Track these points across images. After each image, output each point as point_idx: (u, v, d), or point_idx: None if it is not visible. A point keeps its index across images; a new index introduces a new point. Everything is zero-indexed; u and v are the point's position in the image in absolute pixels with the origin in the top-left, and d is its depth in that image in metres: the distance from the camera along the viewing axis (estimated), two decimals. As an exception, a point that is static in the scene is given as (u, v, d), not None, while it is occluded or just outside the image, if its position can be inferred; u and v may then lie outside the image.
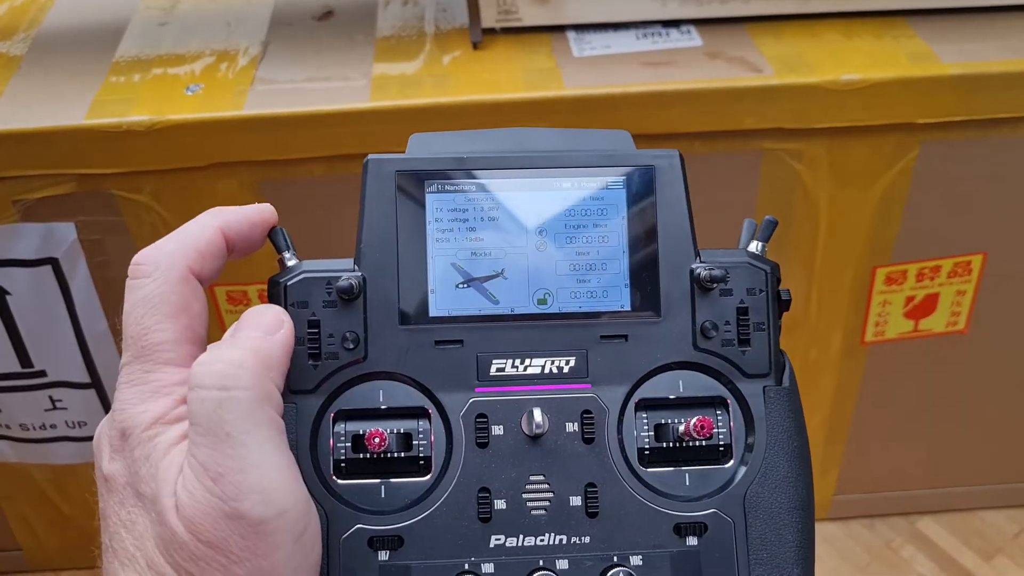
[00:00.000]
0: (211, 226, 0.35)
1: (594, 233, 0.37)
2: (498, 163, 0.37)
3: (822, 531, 1.18)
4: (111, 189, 0.82)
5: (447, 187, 0.36)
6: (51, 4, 0.95)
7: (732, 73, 0.79)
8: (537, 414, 0.35)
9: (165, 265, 0.33)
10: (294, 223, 0.85)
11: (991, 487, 1.18)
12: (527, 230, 0.37)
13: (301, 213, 0.84)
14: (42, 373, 0.95)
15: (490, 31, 0.85)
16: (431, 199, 0.36)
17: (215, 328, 0.92)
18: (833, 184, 0.85)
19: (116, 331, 0.92)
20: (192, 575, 0.30)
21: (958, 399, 1.07)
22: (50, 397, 0.98)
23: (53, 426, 1.00)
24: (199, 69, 0.84)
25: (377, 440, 0.35)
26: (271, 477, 0.30)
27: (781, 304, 0.38)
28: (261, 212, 0.37)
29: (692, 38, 0.84)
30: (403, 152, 0.38)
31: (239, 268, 0.88)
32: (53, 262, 0.87)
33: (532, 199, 0.37)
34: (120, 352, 0.36)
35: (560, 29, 0.86)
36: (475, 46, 0.83)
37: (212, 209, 0.36)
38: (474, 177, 0.37)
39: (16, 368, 0.94)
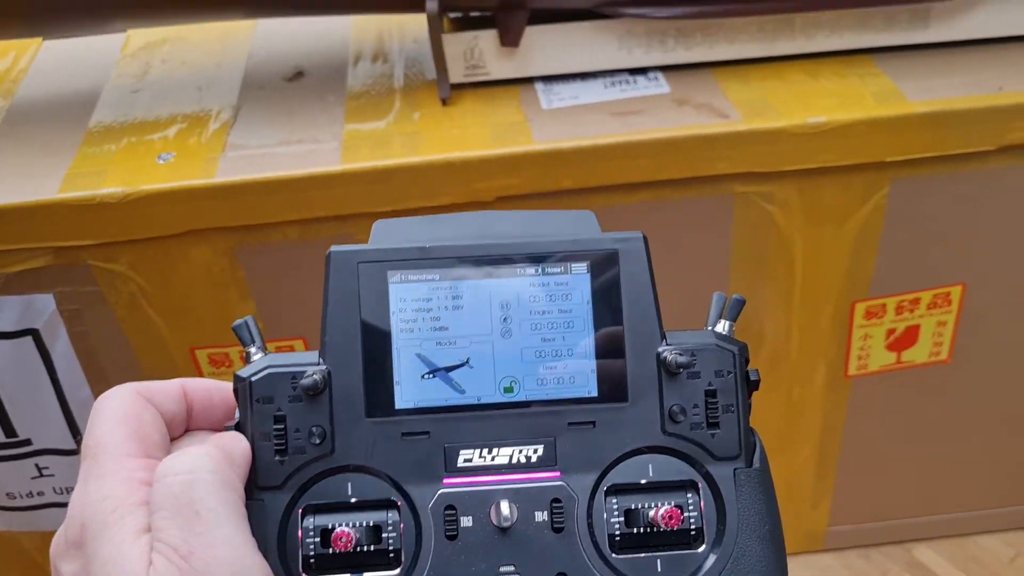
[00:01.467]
0: (172, 380, 0.37)
1: (559, 319, 0.37)
2: (460, 252, 0.37)
3: (818, 563, 1.17)
4: (87, 260, 0.82)
5: (410, 277, 0.36)
6: (24, 75, 0.96)
7: (700, 120, 0.80)
8: (504, 506, 0.35)
9: (117, 389, 0.35)
10: (271, 287, 0.86)
11: (985, 512, 1.17)
12: (492, 318, 0.37)
13: (278, 276, 0.85)
14: (27, 442, 0.95)
15: (459, 86, 0.85)
16: (394, 289, 0.36)
17: (198, 391, 0.92)
18: (806, 223, 0.86)
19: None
20: None
21: (946, 426, 1.06)
22: (36, 465, 0.97)
23: (40, 493, 1.00)
24: (171, 136, 0.84)
25: (344, 540, 0.35)
26: (241, 552, 0.31)
27: (750, 384, 0.38)
28: (222, 391, 0.38)
29: (660, 85, 0.84)
30: (367, 240, 0.38)
31: (221, 331, 0.88)
32: (33, 333, 0.87)
33: (496, 287, 0.37)
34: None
35: (529, 80, 0.86)
36: (444, 102, 0.84)
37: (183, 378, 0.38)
38: (437, 266, 0.37)
39: (1, 438, 0.94)
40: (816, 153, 0.80)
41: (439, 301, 0.37)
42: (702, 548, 0.36)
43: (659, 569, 0.36)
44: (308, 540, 0.35)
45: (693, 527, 0.36)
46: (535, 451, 0.36)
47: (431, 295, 0.37)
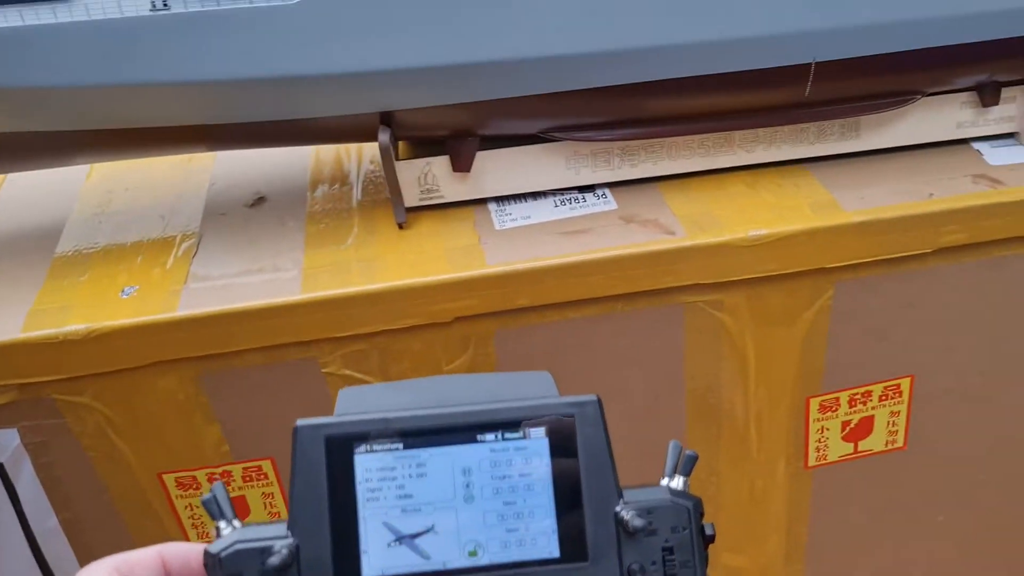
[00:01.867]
0: (150, 549, 0.38)
1: (520, 483, 0.38)
2: (422, 422, 0.39)
3: (793, 650, 1.18)
4: (52, 394, 0.83)
5: (375, 447, 0.38)
6: (-11, 208, 0.98)
7: (647, 237, 0.83)
8: None
9: (96, 567, 0.36)
10: (237, 412, 0.87)
11: (953, 591, 1.19)
12: (455, 484, 0.38)
13: (243, 402, 0.86)
14: (-6, 573, 0.95)
15: (415, 209, 0.88)
16: (360, 460, 0.38)
17: (168, 516, 0.93)
18: (756, 326, 0.89)
19: (66, 526, 0.93)
20: None
21: (907, 510, 1.09)
22: (3, 596, 0.97)
23: (8, 623, 0.99)
24: (134, 268, 0.86)
25: None
26: None
27: (706, 539, 0.39)
28: (199, 556, 0.39)
29: (608, 201, 0.88)
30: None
31: (187, 455, 0.89)
32: (-1, 466, 0.88)
33: (457, 453, 0.38)
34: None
35: (482, 201, 0.89)
36: (400, 227, 0.87)
37: (161, 544, 0.39)
38: (400, 436, 0.38)
39: (-33, 571, 0.93)
40: (760, 263, 0.84)
41: (403, 469, 0.38)
42: None
43: None
44: None
45: None
46: None
47: (395, 464, 0.38)
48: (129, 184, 0.99)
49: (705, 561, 0.39)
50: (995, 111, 0.90)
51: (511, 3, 0.75)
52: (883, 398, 0.98)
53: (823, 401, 0.96)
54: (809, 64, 0.81)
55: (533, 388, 0.41)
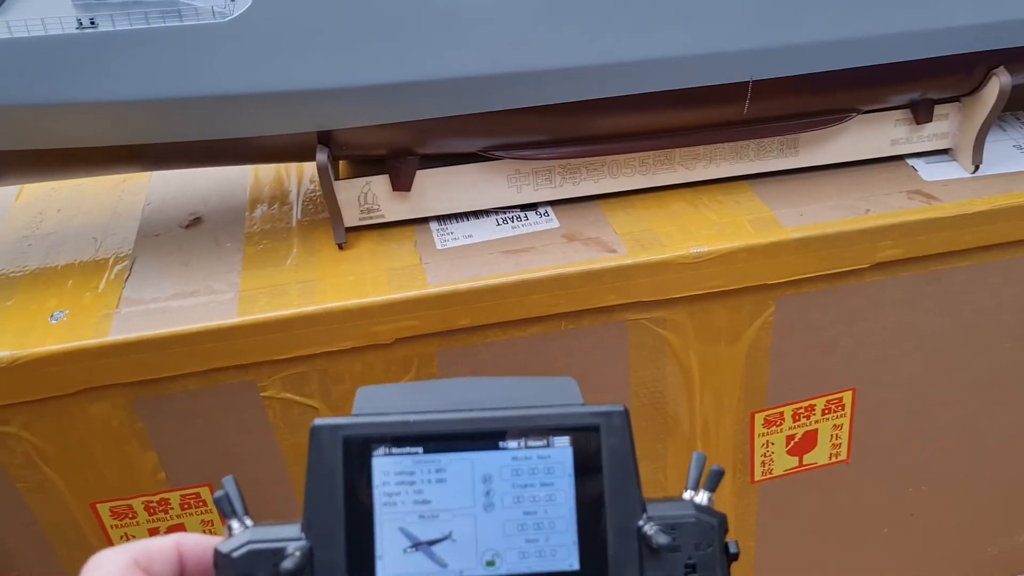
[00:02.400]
0: (168, 538, 0.37)
1: (541, 492, 0.37)
2: (443, 426, 0.37)
3: (743, 665, 1.18)
4: (-22, 424, 0.80)
5: (393, 451, 0.37)
6: (-88, 231, 0.95)
7: (589, 255, 0.82)
8: None
9: (114, 558, 0.35)
10: (173, 437, 0.85)
11: (898, 601, 1.20)
12: (474, 491, 0.37)
13: (179, 427, 0.84)
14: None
15: (355, 228, 0.87)
16: (378, 463, 0.37)
17: (100, 544, 0.90)
18: (700, 343, 0.89)
19: (-5, 559, 0.89)
20: None
21: (852, 522, 1.10)
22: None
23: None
24: (65, 292, 0.84)
25: None
26: None
27: (729, 557, 0.38)
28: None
29: (550, 219, 0.87)
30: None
31: (122, 483, 0.86)
32: (-77, 499, 0.84)
33: (479, 460, 0.37)
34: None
35: (424, 220, 0.88)
36: (340, 247, 0.85)
37: (177, 533, 0.38)
38: (420, 439, 0.37)
39: None
40: (702, 280, 0.84)
41: (422, 475, 0.37)
42: None
43: None
44: None
45: None
46: None
47: (414, 468, 0.37)
48: (60, 205, 0.96)
49: None
50: (929, 128, 0.91)
51: (450, 23, 0.74)
52: (826, 412, 0.98)
53: (767, 416, 0.97)
54: (747, 82, 0.81)
55: (557, 395, 0.39)
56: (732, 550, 0.38)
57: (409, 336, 0.82)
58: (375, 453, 0.37)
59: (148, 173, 1.00)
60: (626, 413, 0.39)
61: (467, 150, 0.84)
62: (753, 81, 0.81)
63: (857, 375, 0.97)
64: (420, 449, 0.37)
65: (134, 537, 0.90)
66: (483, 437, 0.37)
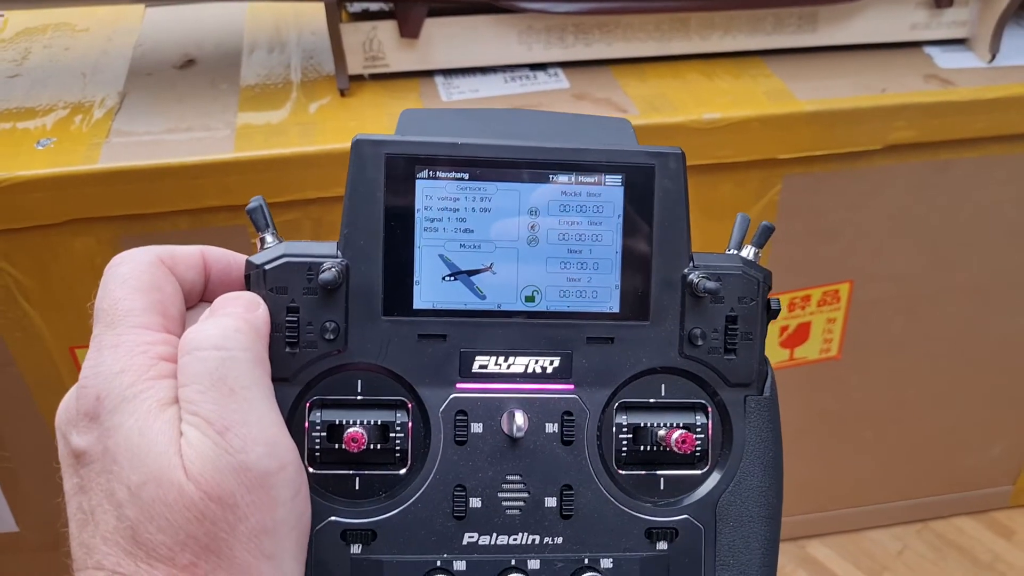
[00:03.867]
0: (193, 247, 0.35)
1: (588, 231, 0.36)
2: (494, 152, 0.35)
3: (716, 561, 1.19)
4: (-44, 251, 0.77)
5: (438, 174, 0.35)
6: None
7: (599, 114, 0.80)
8: (519, 417, 0.35)
9: (139, 254, 0.34)
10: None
11: (874, 507, 1.21)
12: (519, 224, 0.35)
13: (166, 268, 0.81)
14: None
15: (358, 77, 0.84)
16: (421, 185, 0.35)
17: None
18: (704, 219, 0.87)
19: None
20: (193, 539, 0.29)
21: (837, 423, 1.10)
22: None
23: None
24: (51, 123, 0.80)
25: (355, 443, 0.34)
26: (273, 431, 0.31)
27: (770, 313, 0.37)
28: (239, 264, 0.36)
29: (559, 80, 0.85)
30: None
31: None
32: None
33: (526, 192, 0.35)
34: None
35: (428, 74, 0.85)
36: (342, 93, 0.82)
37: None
38: (467, 165, 0.35)
39: None
40: (712, 149, 0.82)
41: (467, 202, 0.35)
42: (705, 470, 0.37)
43: (661, 487, 0.36)
44: (314, 434, 0.34)
45: (698, 449, 0.36)
46: (551, 362, 0.36)
47: (459, 195, 0.35)
48: (47, 42, 0.92)
49: (765, 336, 0.37)
50: (948, 14, 0.89)
51: None
52: (821, 303, 0.98)
53: (763, 303, 0.96)
54: (772, -57, 0.79)
55: (612, 134, 0.37)
56: (774, 307, 0.37)
57: (410, 187, 0.79)
58: (419, 175, 0.35)
59: (138, 17, 0.96)
60: (682, 156, 0.37)
61: (479, -2, 0.81)
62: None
63: (855, 266, 0.96)
64: (466, 175, 0.35)
65: (114, 387, 0.88)
66: (533, 167, 0.35)
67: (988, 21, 0.89)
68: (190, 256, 0.35)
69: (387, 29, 0.82)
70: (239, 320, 0.32)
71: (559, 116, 0.37)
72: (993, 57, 0.89)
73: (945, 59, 0.90)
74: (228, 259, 0.36)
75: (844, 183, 0.88)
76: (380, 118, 0.80)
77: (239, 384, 0.30)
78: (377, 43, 0.82)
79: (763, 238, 0.38)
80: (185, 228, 0.79)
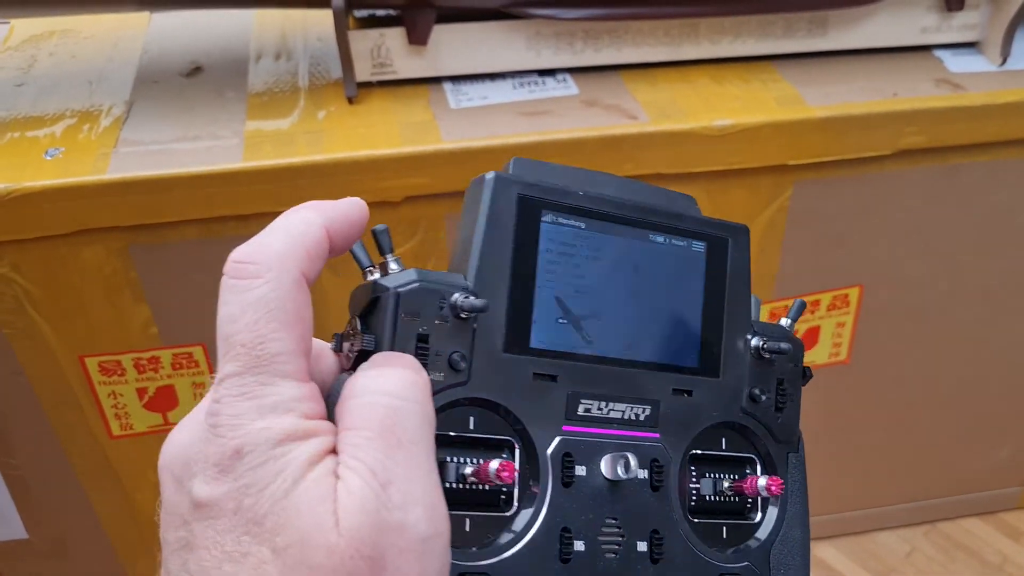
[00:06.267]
0: (316, 224, 0.31)
1: (678, 289, 0.38)
2: (611, 207, 0.37)
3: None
4: (-35, 262, 0.77)
5: (561, 220, 0.36)
6: None
7: (609, 121, 0.80)
8: (632, 460, 0.36)
9: (277, 267, 0.29)
10: (168, 290, 0.82)
11: (882, 509, 1.21)
12: (625, 276, 0.38)
13: (175, 278, 0.81)
14: None
15: (366, 84, 0.84)
16: (546, 228, 0.36)
17: (90, 404, 0.87)
18: (713, 225, 0.87)
19: (-22, 410, 0.87)
20: None
21: (845, 426, 1.09)
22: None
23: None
24: (59, 132, 0.80)
25: (506, 473, 0.33)
26: (434, 495, 0.29)
27: (804, 378, 0.41)
28: (360, 210, 0.33)
29: (568, 86, 0.84)
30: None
31: (113, 337, 0.83)
32: (-97, 341, 0.81)
33: (632, 247, 0.38)
34: None
35: (437, 80, 0.85)
36: (350, 101, 0.82)
37: (311, 203, 0.32)
38: (586, 214, 0.37)
39: None
40: (723, 155, 0.82)
41: (582, 250, 0.37)
42: (758, 519, 0.40)
43: (724, 535, 0.39)
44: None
45: (750, 500, 0.40)
46: (643, 410, 0.37)
47: (576, 241, 0.37)
48: (53, 50, 0.92)
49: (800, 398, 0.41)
50: (959, 17, 0.89)
51: None
52: (831, 308, 0.97)
53: (773, 309, 0.96)
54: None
55: (683, 204, 0.40)
56: (808, 373, 0.41)
57: (419, 195, 0.79)
58: (544, 219, 0.36)
59: (144, 23, 0.96)
60: (748, 231, 0.40)
61: (487, 5, 0.80)
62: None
63: (865, 271, 0.95)
64: (583, 224, 0.37)
65: (121, 396, 0.88)
66: (639, 225, 0.38)
67: (999, 25, 0.88)
68: (320, 246, 0.31)
69: (395, 36, 0.81)
70: (416, 374, 0.30)
71: (645, 186, 0.40)
72: (1004, 60, 0.89)
73: (956, 63, 0.90)
74: (346, 216, 0.32)
75: (855, 188, 0.88)
76: (389, 126, 0.79)
77: (408, 438, 0.28)
78: (385, 50, 0.82)
79: (797, 313, 0.42)
80: (193, 238, 0.79)
